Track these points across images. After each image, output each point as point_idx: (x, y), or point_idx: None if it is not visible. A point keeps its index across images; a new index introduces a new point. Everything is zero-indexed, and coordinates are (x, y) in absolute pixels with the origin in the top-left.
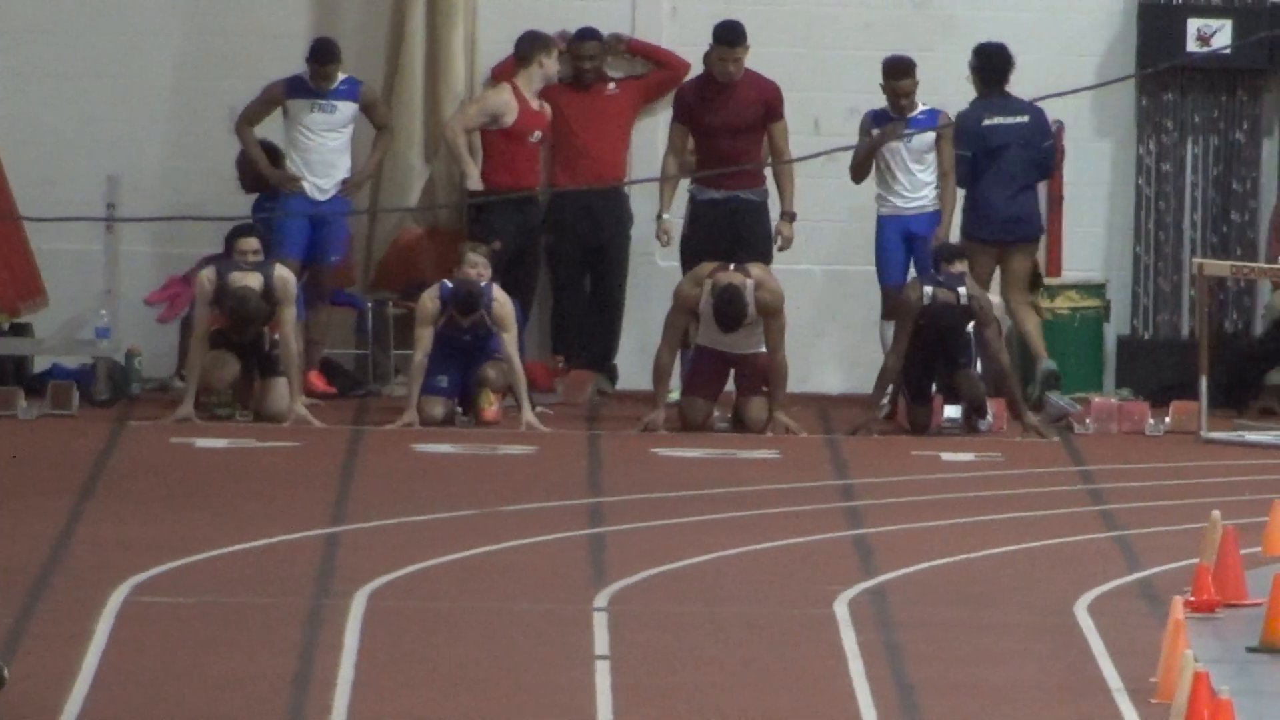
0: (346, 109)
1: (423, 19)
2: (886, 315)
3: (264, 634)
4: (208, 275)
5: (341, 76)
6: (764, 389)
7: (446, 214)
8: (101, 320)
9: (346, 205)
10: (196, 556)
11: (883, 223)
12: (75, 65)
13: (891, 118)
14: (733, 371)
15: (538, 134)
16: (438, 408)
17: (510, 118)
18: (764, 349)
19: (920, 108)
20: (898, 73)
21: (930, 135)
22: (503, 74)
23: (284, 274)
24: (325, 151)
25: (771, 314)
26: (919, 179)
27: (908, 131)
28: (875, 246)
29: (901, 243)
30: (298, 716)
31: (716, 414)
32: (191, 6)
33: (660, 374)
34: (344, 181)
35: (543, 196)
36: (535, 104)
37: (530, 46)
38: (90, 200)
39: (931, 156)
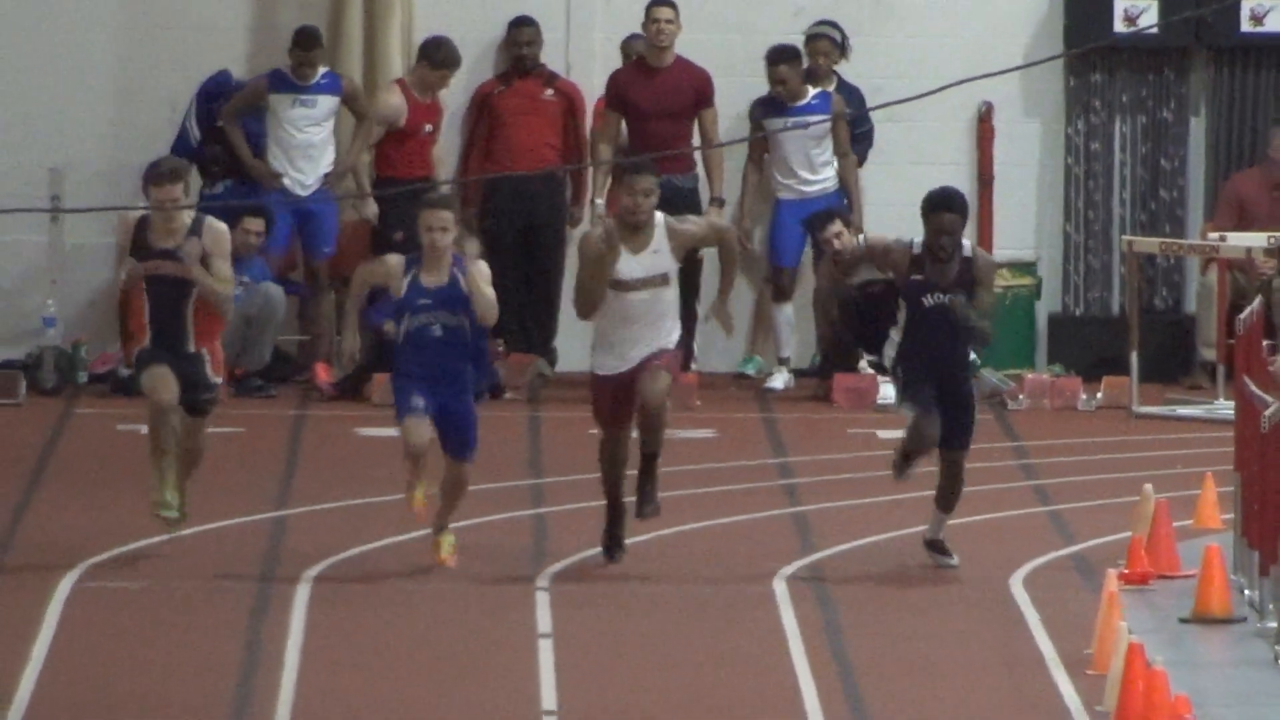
0: (327, 103)
1: (360, 10)
2: (777, 297)
3: (212, 616)
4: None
5: (322, 70)
6: (657, 363)
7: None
8: (48, 310)
9: (329, 197)
10: (145, 541)
11: (783, 206)
12: (15, 60)
13: (775, 101)
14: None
15: (428, 126)
16: (421, 433)
17: (402, 119)
18: (670, 345)
19: (811, 92)
20: (775, 59)
21: (824, 118)
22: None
23: (215, 225)
24: (308, 146)
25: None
26: (818, 162)
27: (812, 121)
28: (771, 229)
29: (799, 226)
30: (246, 698)
31: None
32: (126, 28)
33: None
34: (326, 175)
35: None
36: (425, 98)
37: (421, 51)
38: (34, 193)
39: (829, 140)
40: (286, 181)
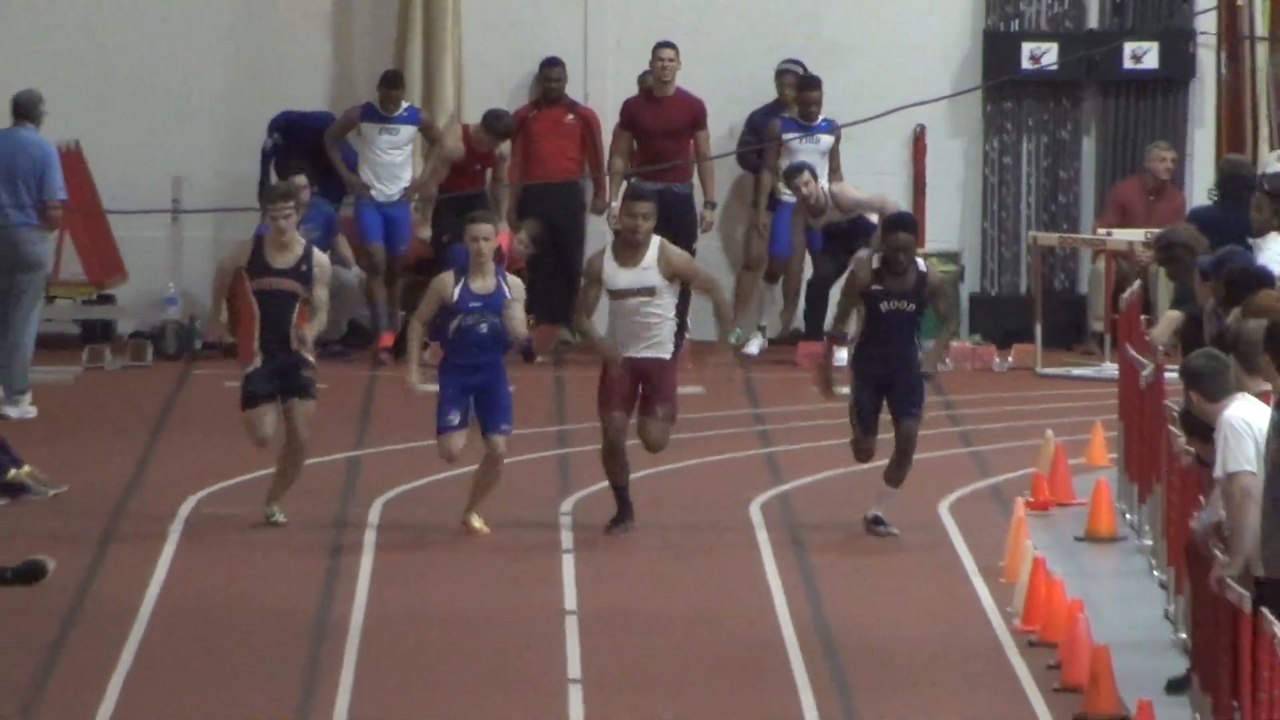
0: (407, 131)
1: (419, 50)
2: (768, 278)
3: (302, 534)
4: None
5: (405, 104)
6: (660, 412)
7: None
8: (170, 291)
9: (406, 207)
10: (247, 476)
11: (783, 207)
12: (143, 87)
13: (792, 120)
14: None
15: (478, 165)
16: (457, 442)
17: (461, 157)
18: (669, 356)
19: (820, 118)
20: (810, 86)
21: (830, 138)
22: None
23: (322, 258)
24: (391, 166)
25: (688, 276)
26: (821, 173)
27: (794, 136)
28: (773, 224)
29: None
30: (329, 599)
31: None
32: (236, 42)
33: (585, 332)
34: (405, 189)
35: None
36: (480, 149)
37: (484, 119)
38: (158, 197)
39: (827, 157)
40: (373, 191)
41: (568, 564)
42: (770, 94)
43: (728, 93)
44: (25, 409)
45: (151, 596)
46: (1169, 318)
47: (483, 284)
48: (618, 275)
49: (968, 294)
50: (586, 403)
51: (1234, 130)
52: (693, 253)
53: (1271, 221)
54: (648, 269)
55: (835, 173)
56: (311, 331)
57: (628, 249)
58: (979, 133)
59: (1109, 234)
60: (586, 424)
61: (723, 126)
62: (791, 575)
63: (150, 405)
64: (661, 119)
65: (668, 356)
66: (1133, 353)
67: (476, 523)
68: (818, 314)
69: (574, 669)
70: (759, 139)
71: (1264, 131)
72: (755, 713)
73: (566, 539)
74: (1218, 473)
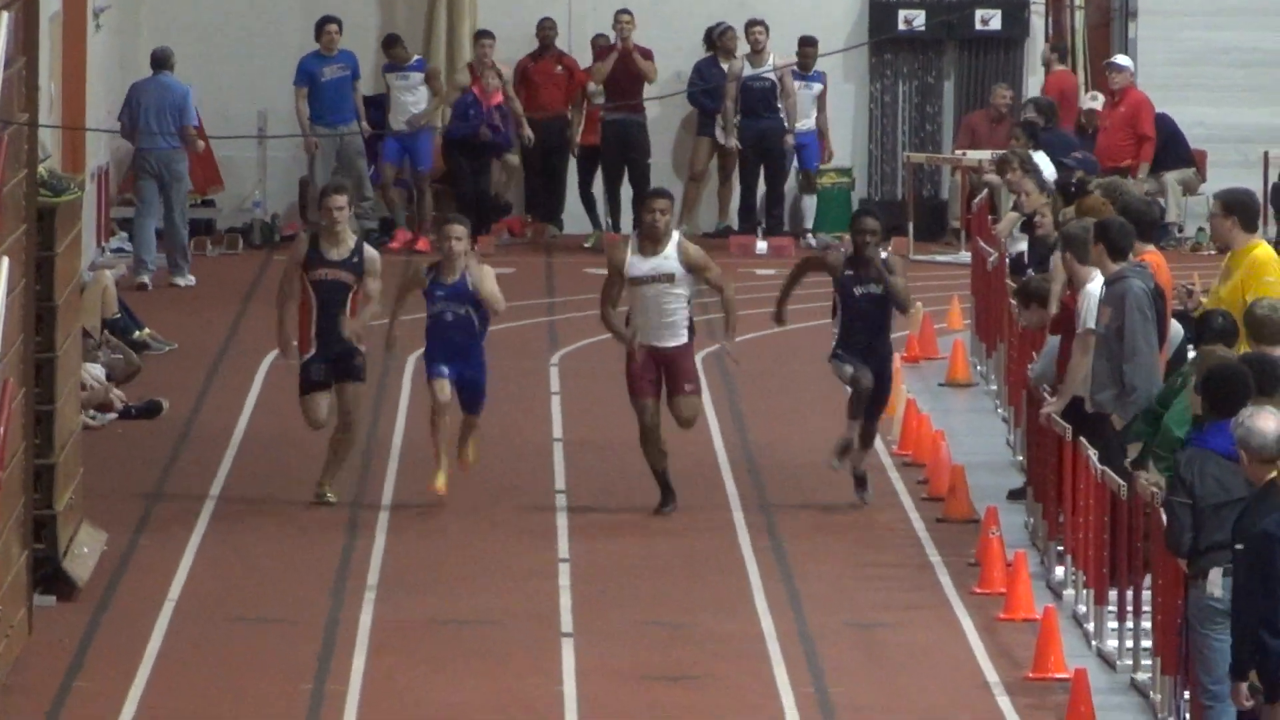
0: (416, 77)
1: (445, 15)
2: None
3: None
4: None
5: (416, 57)
6: (688, 388)
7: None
8: (256, 198)
9: (427, 135)
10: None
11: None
12: (237, 45)
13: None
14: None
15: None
16: (445, 390)
17: (465, 87)
18: (686, 340)
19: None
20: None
21: (820, 85)
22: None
23: (372, 252)
24: (405, 104)
25: (702, 269)
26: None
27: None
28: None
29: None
30: (376, 421)
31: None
32: (305, 10)
33: (609, 323)
34: (409, 120)
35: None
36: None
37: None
38: (247, 125)
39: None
40: (391, 121)
41: (555, 403)
42: (697, 45)
43: (674, 46)
44: (189, 279)
45: (243, 423)
46: (1009, 218)
47: (450, 277)
48: (639, 264)
49: (858, 199)
50: (570, 282)
51: None
52: (648, 167)
53: (1029, 145)
54: (668, 258)
55: (822, 112)
56: (364, 316)
57: (649, 241)
58: (866, 78)
59: (964, 154)
60: (570, 296)
61: (669, 72)
62: (724, 412)
63: (241, 283)
64: (624, 64)
65: (685, 341)
66: (981, 244)
67: (470, 454)
68: (745, 212)
69: (560, 483)
70: (704, 81)
71: (1080, 78)
72: (698, 516)
73: (554, 382)
74: (1080, 327)
